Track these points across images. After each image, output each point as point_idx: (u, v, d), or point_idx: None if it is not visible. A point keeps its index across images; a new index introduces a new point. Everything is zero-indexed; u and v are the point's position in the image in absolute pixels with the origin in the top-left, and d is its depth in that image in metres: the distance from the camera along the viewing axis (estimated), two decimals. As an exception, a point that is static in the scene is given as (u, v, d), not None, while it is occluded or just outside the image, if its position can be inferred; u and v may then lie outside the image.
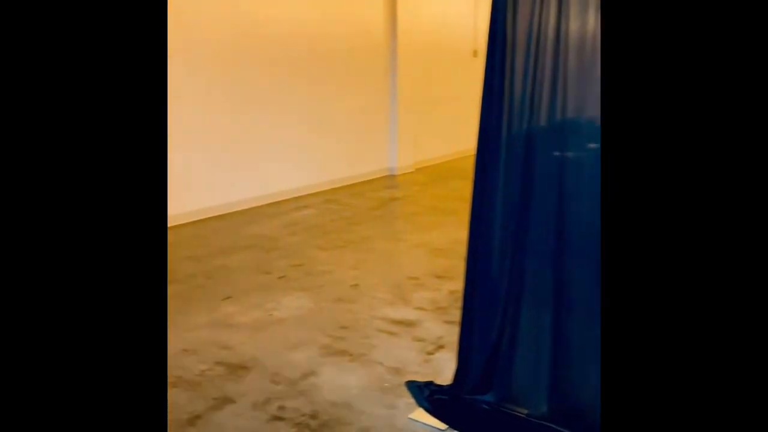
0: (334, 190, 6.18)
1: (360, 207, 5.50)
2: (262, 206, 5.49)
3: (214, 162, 5.13)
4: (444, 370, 2.47)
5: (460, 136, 8.04)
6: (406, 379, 2.40)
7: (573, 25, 1.90)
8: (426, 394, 2.27)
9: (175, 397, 2.28)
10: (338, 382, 2.40)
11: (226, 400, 2.26)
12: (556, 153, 2.01)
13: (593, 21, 1.85)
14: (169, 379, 2.41)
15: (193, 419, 2.14)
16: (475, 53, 8.04)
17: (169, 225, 4.72)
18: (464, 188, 5.95)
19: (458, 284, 3.33)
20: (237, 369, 2.50)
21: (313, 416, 2.16)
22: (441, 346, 2.70)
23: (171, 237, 4.50)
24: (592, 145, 1.92)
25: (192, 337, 2.81)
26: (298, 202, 5.70)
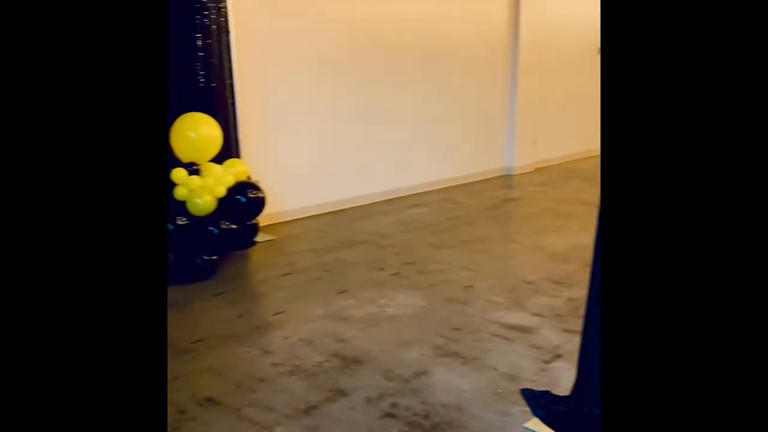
0: (449, 189, 6.14)
1: (475, 206, 5.42)
2: (377, 203, 5.57)
3: (333, 159, 5.27)
4: (561, 380, 2.37)
5: (582, 135, 7.71)
6: (521, 387, 2.33)
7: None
8: (542, 404, 2.18)
9: (292, 385, 2.37)
10: (450, 383, 2.38)
11: (341, 393, 2.31)
12: None
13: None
14: (288, 368, 2.50)
15: (309, 409, 2.20)
16: (600, 51, 7.66)
17: (290, 218, 4.93)
18: (586, 190, 5.72)
19: (578, 291, 3.19)
20: (351, 362, 2.55)
21: (426, 416, 2.16)
22: (559, 356, 2.60)
23: (292, 230, 4.69)
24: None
25: (309, 327, 2.90)
26: (413, 199, 5.73)
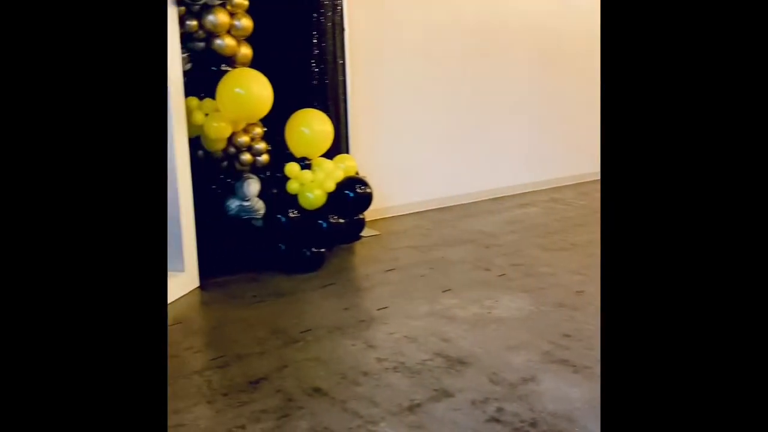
0: (559, 189, 5.93)
1: (587, 208, 5.20)
2: (482, 201, 5.49)
3: (440, 156, 5.24)
4: (683, 398, 2.21)
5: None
6: (637, 402, 2.19)
7: None
8: (660, 422, 2.05)
9: (396, 381, 2.37)
10: (560, 392, 2.28)
11: (445, 393, 2.28)
12: None
13: None
14: (392, 364, 2.51)
15: (413, 407, 2.19)
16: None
17: (393, 215, 4.96)
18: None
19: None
20: (456, 363, 2.51)
21: (533, 424, 2.08)
22: (679, 371, 2.42)
23: (397, 226, 4.72)
24: None
25: (414, 325, 2.89)
26: (521, 199, 5.58)
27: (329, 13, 4.02)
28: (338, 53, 4.15)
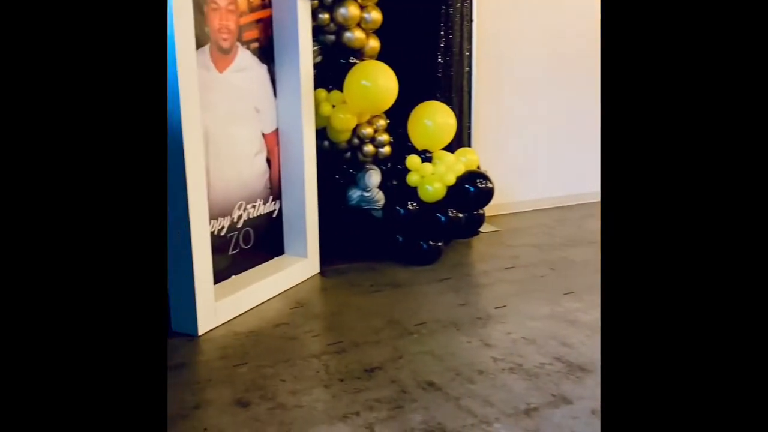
0: (695, 192, 5.50)
1: (728, 214, 4.78)
2: (609, 201, 5.20)
3: (563, 153, 5.03)
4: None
5: None
6: None
7: None
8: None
9: (512, 383, 2.31)
10: (692, 411, 2.11)
11: (564, 400, 2.19)
12: None
13: None
14: (509, 365, 2.44)
15: (530, 411, 2.12)
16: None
17: (513, 211, 4.83)
18: None
19: None
20: (576, 369, 2.41)
21: (660, 443, 1.94)
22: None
23: (517, 223, 4.60)
24: None
25: (533, 326, 2.80)
26: (652, 200, 5.24)
27: (458, 5, 3.98)
28: (464, 44, 4.10)
